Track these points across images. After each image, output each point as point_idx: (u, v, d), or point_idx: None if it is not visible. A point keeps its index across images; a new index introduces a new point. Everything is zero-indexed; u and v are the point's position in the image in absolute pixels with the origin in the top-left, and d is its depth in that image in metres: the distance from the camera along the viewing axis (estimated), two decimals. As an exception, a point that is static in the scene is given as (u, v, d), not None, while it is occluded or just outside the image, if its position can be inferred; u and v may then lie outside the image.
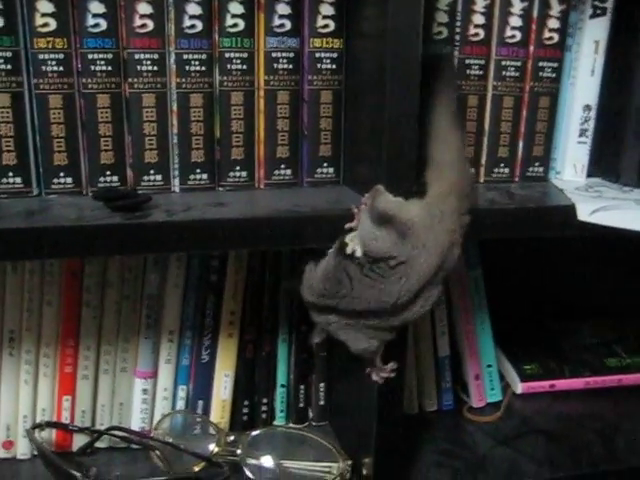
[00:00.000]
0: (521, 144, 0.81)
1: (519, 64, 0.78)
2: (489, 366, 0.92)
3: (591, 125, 0.82)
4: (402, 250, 0.59)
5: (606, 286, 1.11)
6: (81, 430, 0.79)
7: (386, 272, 0.59)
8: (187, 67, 0.70)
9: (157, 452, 0.76)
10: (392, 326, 0.62)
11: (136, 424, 0.81)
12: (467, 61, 0.77)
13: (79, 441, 0.80)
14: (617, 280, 1.13)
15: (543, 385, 0.96)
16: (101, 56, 0.68)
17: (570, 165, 0.83)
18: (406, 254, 0.59)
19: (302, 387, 0.85)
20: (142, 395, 0.81)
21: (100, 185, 0.71)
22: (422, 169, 0.72)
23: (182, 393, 0.82)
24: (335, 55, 0.73)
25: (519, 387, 0.95)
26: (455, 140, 0.67)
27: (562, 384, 0.96)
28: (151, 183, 0.72)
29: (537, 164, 0.82)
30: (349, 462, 0.76)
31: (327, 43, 0.72)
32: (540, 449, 0.85)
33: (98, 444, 0.80)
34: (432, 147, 0.67)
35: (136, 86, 0.69)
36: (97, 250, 0.61)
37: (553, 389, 0.96)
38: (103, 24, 0.67)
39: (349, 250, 0.61)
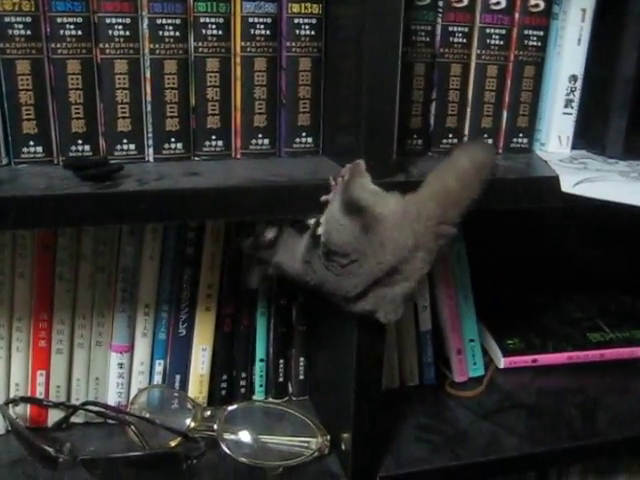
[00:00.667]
0: (505, 114, 0.79)
1: (504, 32, 0.76)
2: (471, 341, 0.92)
3: (577, 96, 0.80)
4: (358, 247, 0.59)
5: (590, 261, 1.11)
6: (56, 405, 0.78)
7: (336, 269, 0.60)
8: (161, 32, 0.67)
9: (133, 427, 0.75)
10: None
11: (112, 399, 0.80)
12: (450, 28, 0.75)
13: (54, 416, 0.79)
14: (601, 255, 1.12)
15: (526, 360, 0.95)
16: (71, 20, 0.65)
17: (555, 136, 0.82)
18: (361, 252, 0.59)
19: (281, 361, 0.84)
20: (118, 369, 0.79)
21: (72, 154, 0.68)
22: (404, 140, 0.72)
23: (159, 367, 0.81)
24: (314, 21, 0.71)
25: (502, 362, 0.95)
26: (459, 157, 0.65)
27: (545, 359, 0.96)
28: (124, 153, 0.70)
29: (521, 135, 0.80)
30: (327, 437, 0.75)
31: (306, 8, 0.70)
32: (521, 424, 0.84)
33: (74, 419, 0.79)
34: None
35: (108, 52, 0.67)
36: (65, 220, 0.59)
37: (536, 364, 0.96)
38: (72, -14, 0.64)
39: (319, 231, 0.61)
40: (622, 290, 1.11)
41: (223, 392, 0.83)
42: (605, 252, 1.12)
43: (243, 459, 0.73)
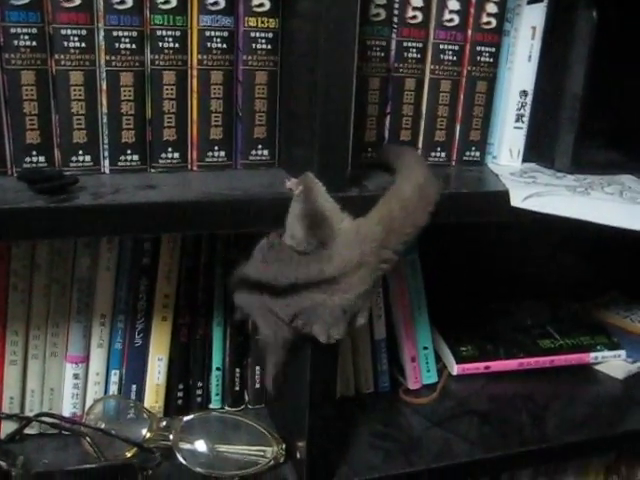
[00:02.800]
0: (458, 128, 0.81)
1: (457, 48, 0.78)
2: (425, 348, 0.93)
3: (527, 110, 0.83)
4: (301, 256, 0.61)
5: (541, 268, 1.14)
6: (9, 417, 0.77)
7: (281, 255, 0.62)
8: (117, 44, 0.67)
9: (88, 438, 0.75)
10: (290, 318, 0.62)
11: (67, 410, 0.79)
12: (405, 44, 0.76)
13: (7, 428, 0.78)
14: (551, 262, 1.15)
15: (478, 366, 0.97)
16: (25, 30, 0.65)
17: (506, 150, 0.84)
18: (302, 258, 0.61)
19: (238, 370, 0.84)
20: (73, 380, 0.79)
21: (26, 166, 0.68)
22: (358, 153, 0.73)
23: (115, 378, 0.80)
24: (270, 35, 0.71)
25: (455, 369, 0.96)
26: (403, 185, 0.66)
27: (497, 365, 0.98)
28: (80, 164, 0.70)
29: (474, 148, 0.82)
30: (283, 446, 0.76)
31: (262, 22, 0.71)
32: (473, 430, 0.86)
33: (28, 431, 0.79)
34: (396, 177, 0.68)
35: (63, 63, 0.67)
36: (19, 234, 0.59)
37: (488, 370, 0.98)
38: (27, -4, 0.64)
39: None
40: (572, 297, 1.14)
41: (179, 401, 0.83)
42: (555, 260, 1.15)
43: (199, 469, 0.73)
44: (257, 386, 0.85)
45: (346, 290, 0.61)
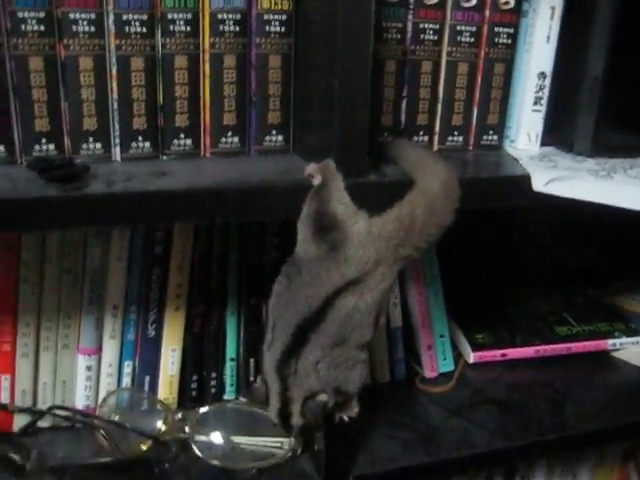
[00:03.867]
0: (475, 112, 0.79)
1: (474, 29, 0.76)
2: (441, 336, 0.92)
3: (546, 93, 0.81)
4: (317, 266, 0.60)
5: (557, 255, 1.12)
6: (21, 410, 0.76)
7: (294, 276, 0.61)
8: (127, 28, 0.66)
9: (102, 431, 0.74)
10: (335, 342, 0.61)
11: (80, 402, 0.78)
12: (421, 26, 0.74)
13: (20, 422, 0.77)
14: (568, 249, 1.13)
15: (494, 354, 0.96)
16: (32, 14, 0.63)
17: (524, 133, 0.82)
18: (320, 268, 0.60)
19: (252, 360, 0.83)
20: (86, 372, 0.78)
21: (35, 154, 0.66)
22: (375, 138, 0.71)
23: (128, 369, 0.79)
24: (284, 17, 0.69)
25: (471, 357, 0.95)
26: (429, 182, 0.64)
27: (513, 353, 0.96)
28: (90, 152, 0.68)
29: (491, 132, 0.81)
30: (300, 437, 0.75)
31: (276, 4, 0.69)
32: (491, 419, 0.85)
33: (41, 424, 0.77)
34: (417, 174, 0.66)
35: (72, 48, 0.65)
36: (32, 225, 0.58)
37: (504, 358, 0.96)
38: (33, -21, 0.62)
39: None
40: (589, 284, 1.12)
41: (193, 392, 0.82)
42: (572, 247, 1.14)
43: (215, 462, 0.72)
44: (272, 376, 0.84)
45: (372, 288, 0.61)
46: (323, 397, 0.61)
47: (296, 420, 0.61)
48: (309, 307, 0.60)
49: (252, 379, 0.83)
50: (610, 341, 0.99)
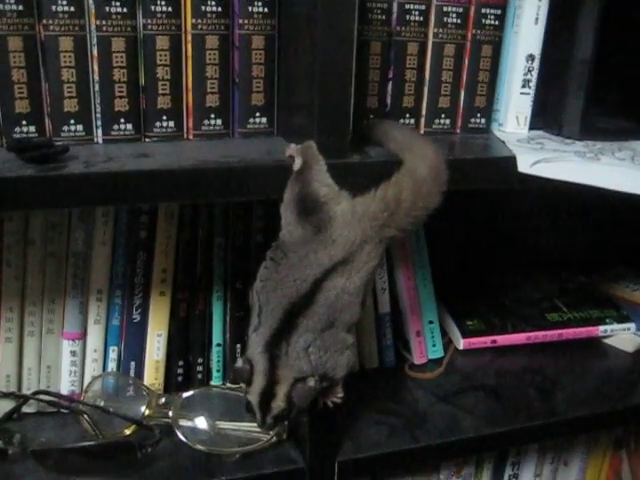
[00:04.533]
0: (463, 94, 0.79)
1: (461, 10, 0.75)
2: (431, 322, 0.91)
3: (534, 76, 0.80)
4: (303, 248, 0.60)
5: (549, 242, 1.12)
6: (5, 395, 0.75)
7: (281, 259, 0.61)
8: (107, 8, 0.65)
9: (86, 416, 0.73)
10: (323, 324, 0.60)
11: (66, 388, 0.78)
12: (407, 6, 0.73)
13: (4, 407, 0.76)
14: (559, 235, 1.13)
15: (485, 341, 0.95)
16: (11, -6, 0.62)
17: (513, 116, 0.81)
18: (307, 249, 0.59)
19: (238, 346, 0.82)
20: (71, 357, 0.77)
21: (16, 136, 0.66)
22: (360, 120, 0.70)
23: (113, 354, 0.79)
24: (267, -3, 0.69)
25: (461, 343, 0.95)
26: (416, 164, 0.63)
27: (504, 339, 0.96)
28: (72, 134, 0.67)
29: (479, 115, 0.80)
30: (285, 422, 0.74)
31: (259, -16, 0.68)
32: (480, 405, 0.84)
33: (25, 409, 0.77)
34: (405, 155, 0.65)
35: (52, 28, 0.64)
36: (8, 204, 0.57)
37: (495, 344, 0.96)
38: (10, -43, 0.61)
39: None
40: (580, 271, 1.12)
41: (180, 378, 0.81)
42: (564, 233, 1.13)
43: (199, 446, 0.72)
44: (259, 362, 0.83)
45: (359, 268, 0.60)
46: (311, 382, 0.60)
47: (278, 403, 0.60)
48: (297, 290, 0.59)
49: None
50: (601, 327, 0.98)
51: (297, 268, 0.60)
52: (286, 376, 0.60)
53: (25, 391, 0.77)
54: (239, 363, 0.62)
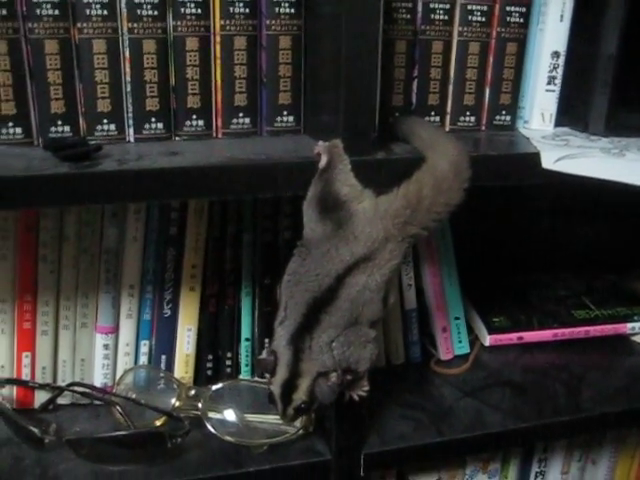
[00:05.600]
0: (488, 92, 0.79)
1: (485, 9, 0.76)
2: (457, 319, 0.92)
3: (560, 72, 0.80)
4: (325, 244, 0.61)
5: (576, 239, 1.11)
6: (41, 387, 0.78)
7: (305, 254, 0.62)
8: (139, 11, 0.67)
9: (118, 408, 0.75)
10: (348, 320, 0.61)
11: (98, 380, 0.80)
12: (432, 5, 0.74)
13: (41, 398, 0.79)
14: (587, 233, 1.12)
15: (511, 337, 0.96)
16: (47, -1, 0.65)
17: (538, 114, 0.82)
18: (329, 245, 0.60)
19: (266, 341, 0.83)
20: (103, 351, 0.79)
21: (51, 136, 0.68)
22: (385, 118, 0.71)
23: (144, 348, 0.81)
24: (294, -2, 0.70)
25: (487, 339, 0.95)
26: (438, 161, 0.64)
27: (530, 336, 0.96)
28: (105, 133, 0.70)
29: (504, 112, 0.80)
30: (312, 415, 0.76)
31: (285, -14, 0.70)
32: (506, 400, 0.85)
33: (60, 401, 0.80)
34: (427, 152, 0.66)
35: (86, 31, 0.66)
36: (44, 201, 0.59)
37: (521, 341, 0.96)
38: (47, -36, 0.64)
39: None
40: (608, 269, 1.11)
41: (209, 372, 0.83)
42: (591, 231, 1.12)
43: (228, 438, 0.73)
44: (286, 356, 0.85)
45: (381, 266, 0.61)
46: (333, 377, 0.61)
47: (299, 395, 0.61)
48: (320, 285, 0.60)
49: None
50: (630, 325, 0.98)
51: (319, 263, 0.61)
52: (309, 370, 0.61)
53: (59, 383, 0.79)
54: (264, 354, 0.63)
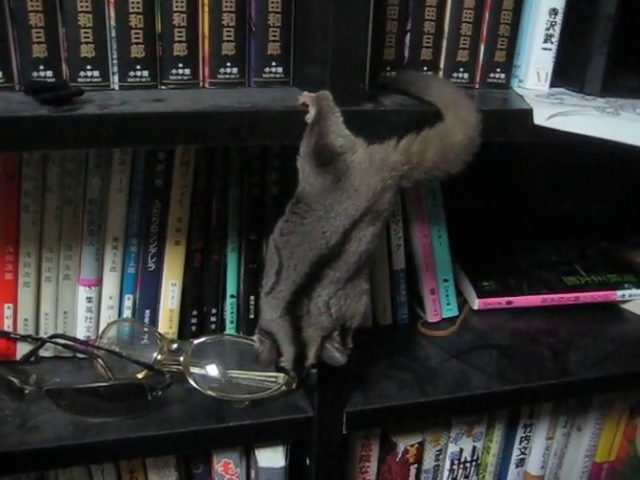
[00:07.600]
0: (482, 48, 0.77)
1: (482, -39, 0.74)
2: (445, 281, 0.91)
3: (557, 30, 0.78)
4: (327, 198, 0.59)
5: (569, 206, 1.10)
6: (23, 338, 0.77)
7: (306, 212, 0.59)
8: (124, -47, 0.65)
9: (100, 360, 0.75)
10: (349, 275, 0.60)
11: (81, 333, 0.79)
12: (427, -44, 0.72)
13: (23, 350, 0.78)
14: (581, 200, 1.11)
15: (500, 301, 0.95)
16: (26, -62, 0.62)
17: (534, 72, 0.80)
18: (332, 200, 0.59)
19: (252, 298, 0.83)
20: (86, 304, 0.79)
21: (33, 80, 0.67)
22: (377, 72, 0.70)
23: (128, 302, 0.80)
24: (285, -57, 0.68)
25: (476, 303, 0.94)
26: (454, 129, 0.62)
27: (519, 301, 0.95)
28: (88, 79, 0.68)
29: (499, 70, 0.79)
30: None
31: None
32: (492, 363, 0.84)
33: (43, 353, 0.79)
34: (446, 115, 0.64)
35: (68, -28, 0.64)
36: (22, 144, 0.58)
37: (510, 306, 0.95)
38: None
39: None
40: (602, 237, 1.10)
41: (193, 328, 0.82)
42: (587, 199, 1.11)
43: (210, 392, 0.73)
44: (272, 314, 0.84)
45: (381, 215, 0.60)
46: (336, 337, 0.60)
47: (310, 361, 0.61)
48: (327, 242, 0.59)
49: (252, 316, 0.83)
50: (619, 292, 0.97)
51: (325, 220, 0.59)
52: (313, 337, 0.60)
53: (42, 335, 0.79)
54: (256, 341, 0.62)
